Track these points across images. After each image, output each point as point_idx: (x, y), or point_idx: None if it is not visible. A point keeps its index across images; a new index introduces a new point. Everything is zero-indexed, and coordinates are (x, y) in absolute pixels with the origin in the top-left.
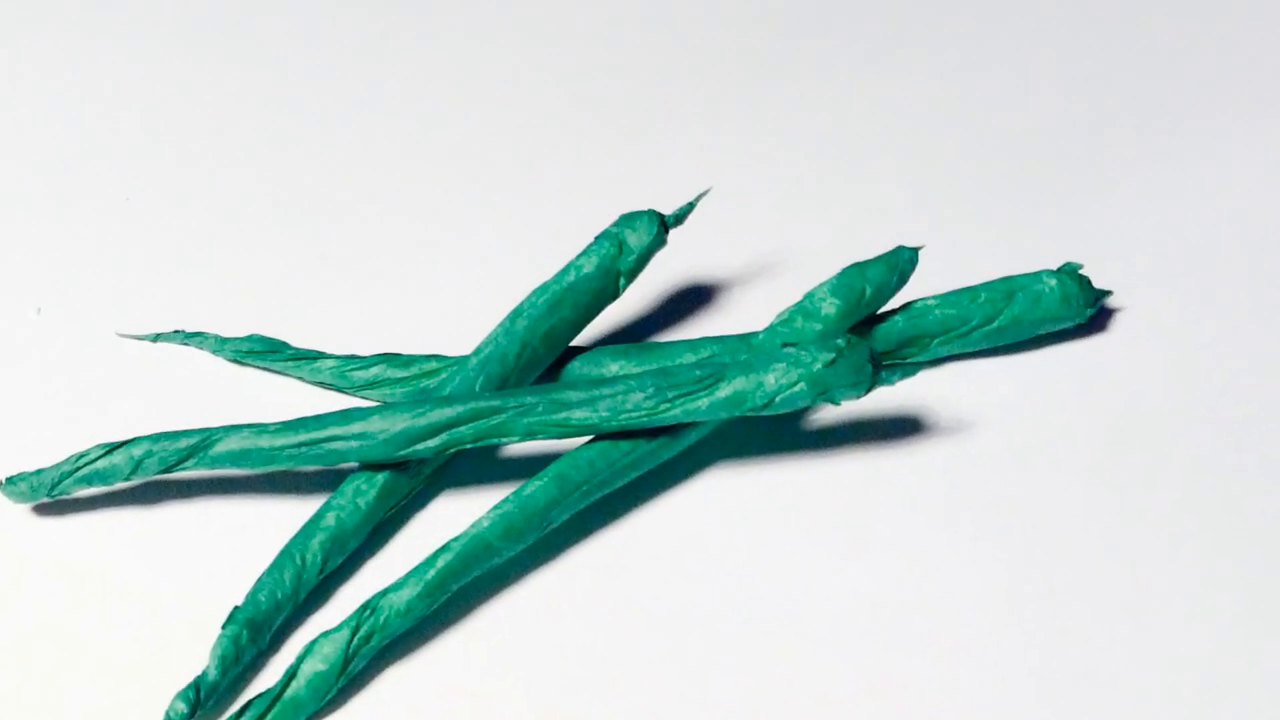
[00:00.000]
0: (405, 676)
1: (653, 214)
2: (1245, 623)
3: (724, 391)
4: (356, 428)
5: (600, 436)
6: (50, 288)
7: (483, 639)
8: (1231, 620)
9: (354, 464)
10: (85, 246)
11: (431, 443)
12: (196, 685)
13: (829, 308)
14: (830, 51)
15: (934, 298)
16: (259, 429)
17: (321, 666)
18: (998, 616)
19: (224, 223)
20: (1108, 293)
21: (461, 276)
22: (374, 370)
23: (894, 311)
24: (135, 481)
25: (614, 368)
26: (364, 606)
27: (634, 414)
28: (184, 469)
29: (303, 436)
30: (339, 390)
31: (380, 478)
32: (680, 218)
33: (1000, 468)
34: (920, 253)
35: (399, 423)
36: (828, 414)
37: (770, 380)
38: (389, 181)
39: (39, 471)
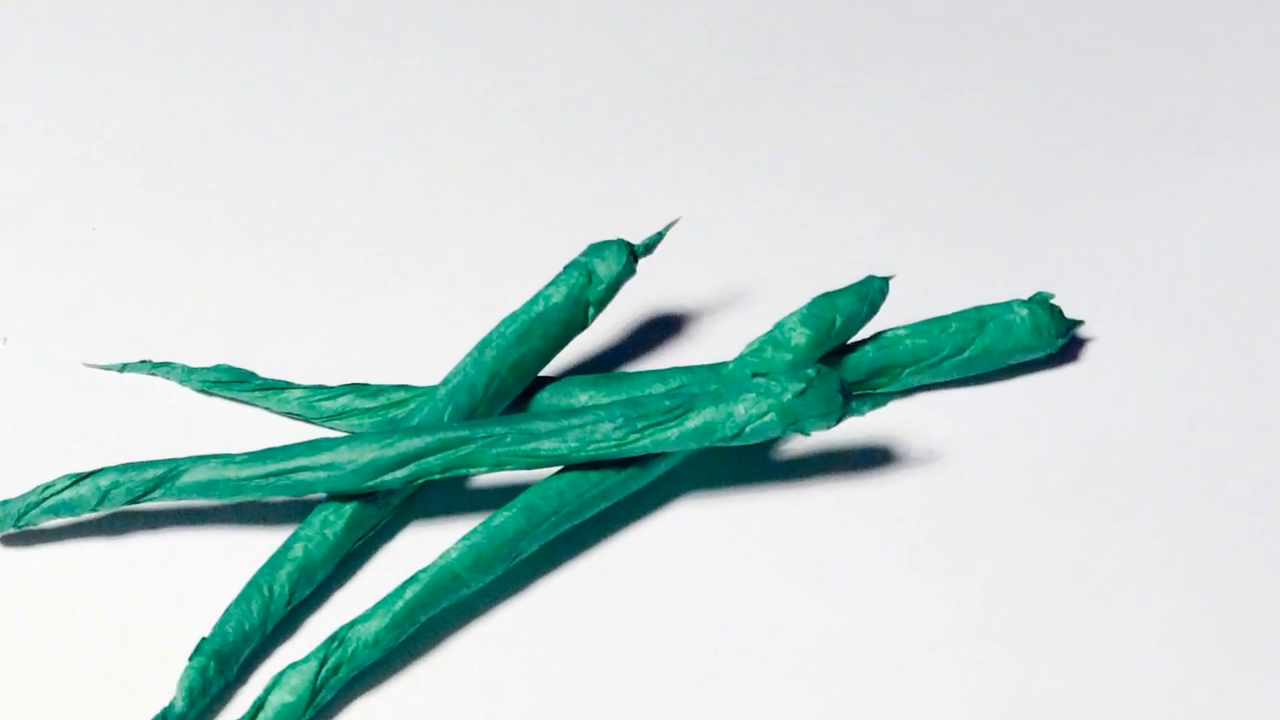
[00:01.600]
0: (373, 708)
1: (622, 243)
2: (1217, 653)
3: (693, 422)
4: (324, 458)
5: (569, 467)
6: (16, 317)
7: (451, 670)
8: (1203, 650)
9: (322, 495)
10: (51, 276)
11: (400, 473)
12: (163, 717)
13: (799, 338)
14: (800, 80)
15: (904, 327)
16: (226, 459)
17: (289, 698)
18: (968, 647)
19: (191, 252)
20: (1079, 322)
21: (429, 306)
22: (342, 400)
23: (864, 341)
24: (102, 512)
25: (583, 398)
26: (332, 638)
27: (603, 444)
28: (151, 500)
29: (270, 467)
30: (307, 420)
31: (348, 508)
32: (650, 247)
33: (972, 498)
34: (891, 282)
35: (367, 453)
36: (798, 444)
37: (740, 411)
38: (356, 211)
39: (5, 502)
